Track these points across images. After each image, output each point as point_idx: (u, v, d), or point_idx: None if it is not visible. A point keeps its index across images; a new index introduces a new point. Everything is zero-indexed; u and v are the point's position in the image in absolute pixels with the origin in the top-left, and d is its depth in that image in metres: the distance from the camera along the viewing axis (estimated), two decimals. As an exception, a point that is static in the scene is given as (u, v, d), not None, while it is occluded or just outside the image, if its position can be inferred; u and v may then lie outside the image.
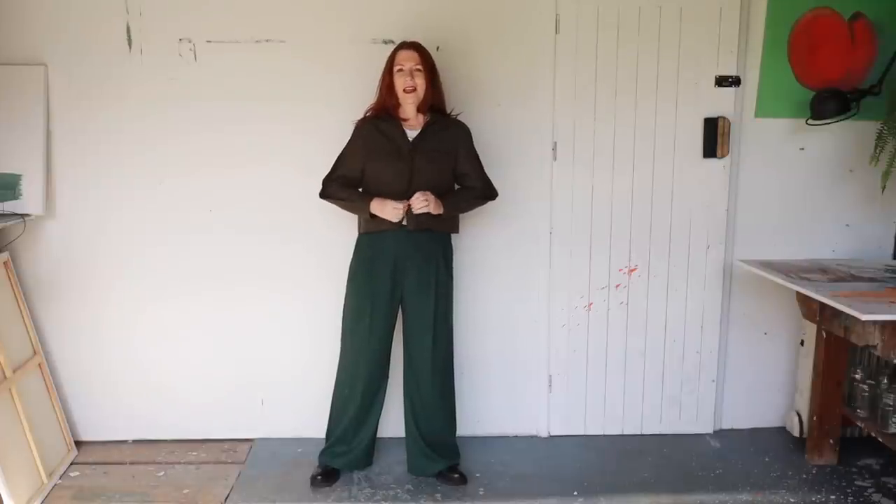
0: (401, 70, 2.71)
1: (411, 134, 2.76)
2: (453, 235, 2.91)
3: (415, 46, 2.74)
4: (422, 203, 2.67)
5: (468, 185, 2.86)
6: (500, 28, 3.04)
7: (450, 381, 2.94)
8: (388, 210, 2.69)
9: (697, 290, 3.23)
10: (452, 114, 2.86)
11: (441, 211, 2.73)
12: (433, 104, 2.79)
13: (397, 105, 2.76)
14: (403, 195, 2.71)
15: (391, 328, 2.86)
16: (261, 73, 3.00)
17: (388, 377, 2.92)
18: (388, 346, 2.88)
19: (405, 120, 2.78)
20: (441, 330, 2.85)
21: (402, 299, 2.84)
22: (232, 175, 3.07)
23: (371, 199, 2.72)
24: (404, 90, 2.70)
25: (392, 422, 3.09)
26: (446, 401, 2.93)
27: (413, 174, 2.72)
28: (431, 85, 2.74)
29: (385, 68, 2.75)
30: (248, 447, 3.19)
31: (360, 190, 2.81)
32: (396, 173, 2.72)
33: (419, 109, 2.76)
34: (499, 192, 2.91)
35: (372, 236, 2.78)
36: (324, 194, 2.83)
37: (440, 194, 2.75)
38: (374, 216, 2.73)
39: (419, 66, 2.71)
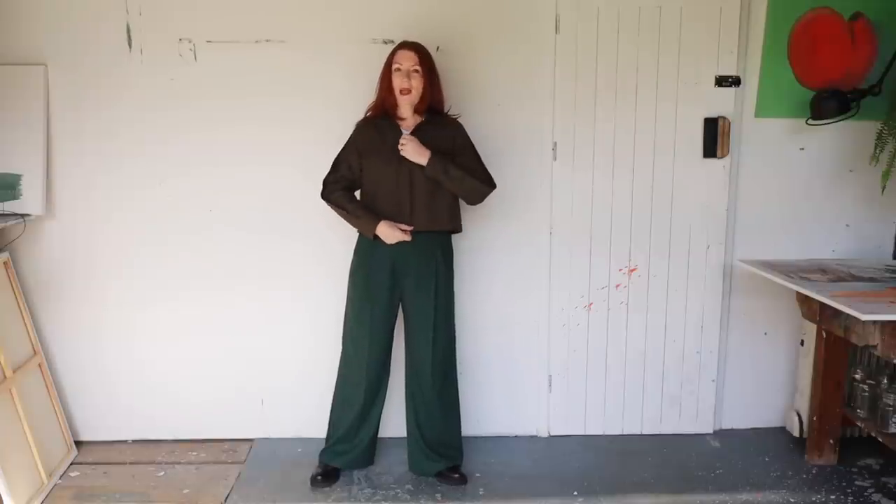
0: (398, 70, 2.70)
1: (407, 133, 2.76)
2: (453, 235, 2.90)
3: (414, 47, 2.73)
4: (401, 143, 2.69)
5: None
6: (500, 28, 3.04)
7: (452, 381, 2.94)
8: (397, 235, 2.71)
9: (697, 290, 3.23)
10: (450, 114, 2.86)
11: (425, 160, 2.68)
12: (431, 104, 2.78)
13: (395, 104, 2.76)
14: (399, 195, 2.71)
15: (391, 328, 2.86)
16: (261, 72, 3.00)
17: (388, 376, 2.92)
18: (389, 345, 2.88)
19: (402, 119, 2.78)
20: (442, 329, 2.85)
21: (402, 299, 2.84)
22: (232, 175, 3.07)
23: (379, 222, 2.71)
24: (400, 91, 2.70)
25: (393, 422, 3.09)
26: (448, 400, 2.93)
27: (410, 174, 2.71)
28: (429, 85, 2.73)
29: (384, 67, 2.75)
30: (248, 447, 3.19)
31: (362, 191, 2.81)
32: (393, 173, 2.72)
33: (416, 110, 2.76)
34: (499, 192, 2.90)
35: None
36: (326, 197, 2.81)
37: (439, 195, 2.75)
38: (361, 151, 2.75)
39: (417, 67, 2.70)
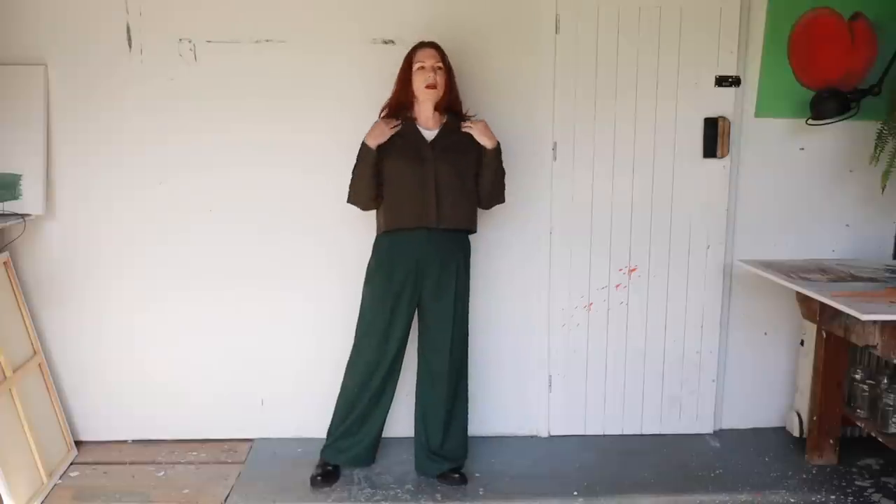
0: (422, 67, 2.70)
1: (427, 134, 2.76)
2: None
3: (434, 45, 2.75)
4: (467, 126, 2.73)
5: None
6: (501, 28, 3.04)
7: (464, 384, 2.95)
8: (385, 132, 2.69)
9: (697, 290, 3.23)
10: (468, 114, 2.87)
11: (492, 144, 2.74)
12: (449, 106, 2.79)
13: (413, 104, 2.76)
14: (424, 196, 2.70)
15: (408, 330, 2.85)
16: (261, 73, 3.00)
17: (399, 375, 2.91)
18: (404, 347, 2.87)
19: (416, 120, 2.78)
20: (458, 333, 2.86)
21: (420, 299, 2.83)
22: (232, 175, 3.07)
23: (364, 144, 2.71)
24: (426, 87, 2.70)
25: (395, 422, 3.08)
26: (458, 403, 2.93)
27: (434, 174, 2.70)
28: (450, 83, 2.75)
29: (402, 67, 2.75)
30: (248, 447, 3.19)
31: (385, 191, 2.77)
32: (418, 172, 2.70)
33: (436, 108, 2.76)
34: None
35: (392, 237, 2.77)
36: (348, 198, 2.81)
37: (463, 193, 2.76)
38: (379, 153, 2.70)
39: (440, 65, 2.72)
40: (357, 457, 2.94)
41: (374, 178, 2.73)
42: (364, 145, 2.71)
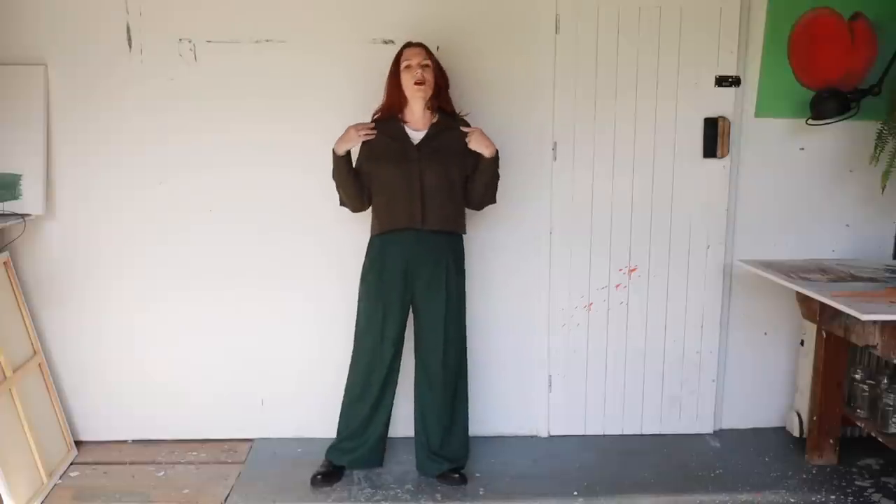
0: (409, 66, 2.71)
1: (416, 135, 2.76)
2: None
3: (420, 45, 2.76)
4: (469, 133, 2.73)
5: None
6: (500, 28, 3.04)
7: (462, 383, 2.95)
8: (352, 135, 2.70)
9: (697, 290, 3.23)
10: (461, 114, 2.87)
11: (489, 152, 2.73)
12: (440, 105, 2.79)
13: (404, 104, 2.76)
14: (410, 197, 2.70)
15: (402, 329, 2.86)
16: (261, 73, 3.00)
17: (398, 376, 2.91)
18: (400, 347, 2.87)
19: (407, 122, 2.78)
20: (453, 332, 2.85)
21: (412, 300, 2.83)
22: (232, 175, 3.07)
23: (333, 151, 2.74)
24: (415, 83, 2.70)
25: (395, 421, 3.07)
26: (457, 403, 2.93)
27: (421, 175, 2.70)
28: (437, 82, 2.75)
29: (391, 69, 2.76)
30: (248, 447, 3.19)
31: (374, 193, 2.80)
32: (403, 176, 2.71)
33: (427, 106, 2.76)
34: (499, 192, 2.90)
35: (384, 238, 2.78)
36: (339, 201, 2.86)
37: (450, 196, 2.76)
38: (348, 160, 2.74)
39: (427, 62, 2.72)
40: (361, 458, 2.94)
41: (354, 182, 2.77)
42: (332, 152, 2.73)
